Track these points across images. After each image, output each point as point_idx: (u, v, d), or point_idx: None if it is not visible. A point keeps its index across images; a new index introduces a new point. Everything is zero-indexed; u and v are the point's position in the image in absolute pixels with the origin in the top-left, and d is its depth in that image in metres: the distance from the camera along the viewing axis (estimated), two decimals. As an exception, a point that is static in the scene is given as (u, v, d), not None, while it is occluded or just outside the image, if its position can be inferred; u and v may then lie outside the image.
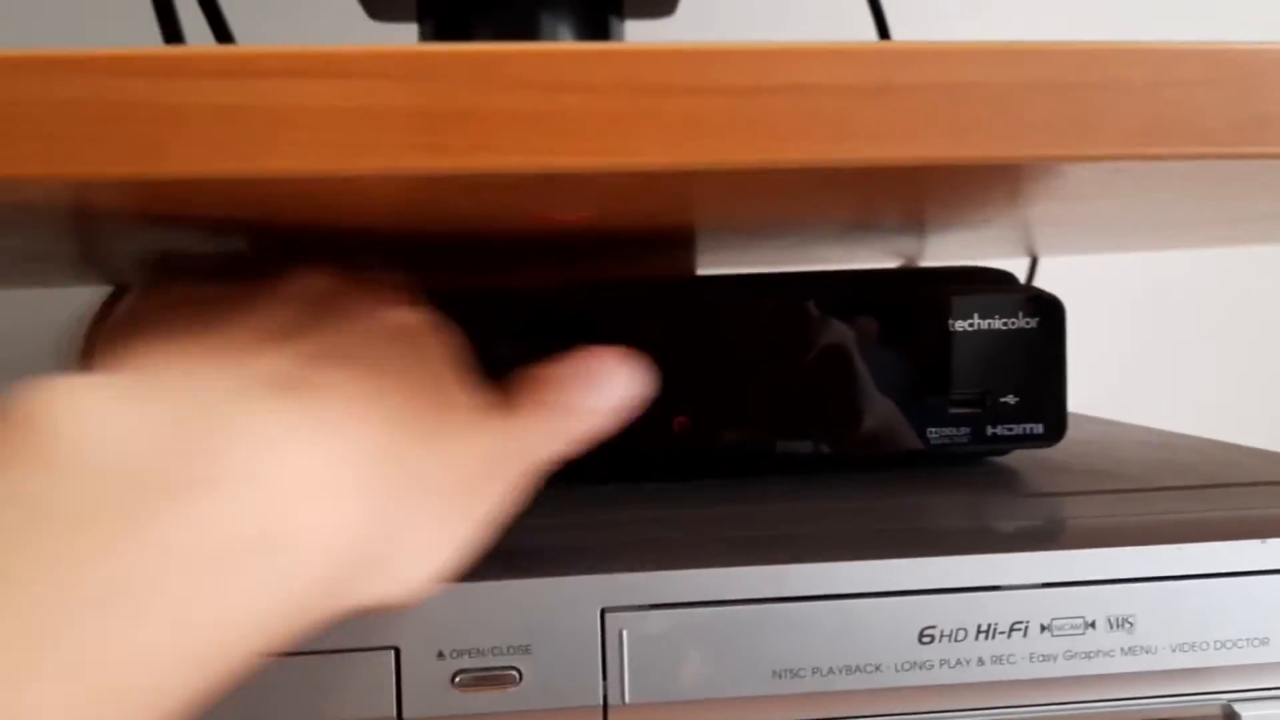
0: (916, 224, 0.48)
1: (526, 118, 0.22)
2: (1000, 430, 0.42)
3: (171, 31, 0.51)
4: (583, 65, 0.21)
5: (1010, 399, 0.42)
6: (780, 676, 0.31)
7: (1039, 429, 0.43)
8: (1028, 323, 0.42)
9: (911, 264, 0.77)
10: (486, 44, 0.22)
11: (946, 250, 0.69)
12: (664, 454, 0.42)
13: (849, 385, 0.42)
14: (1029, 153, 0.22)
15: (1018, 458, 0.46)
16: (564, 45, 0.21)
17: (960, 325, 0.42)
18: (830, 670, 0.31)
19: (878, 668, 0.31)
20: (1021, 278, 0.75)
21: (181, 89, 0.21)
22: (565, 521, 0.37)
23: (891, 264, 0.77)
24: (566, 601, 0.30)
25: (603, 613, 0.30)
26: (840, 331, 0.42)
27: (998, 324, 0.42)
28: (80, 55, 0.21)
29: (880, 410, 0.42)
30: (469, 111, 0.21)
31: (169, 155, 0.21)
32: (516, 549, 0.33)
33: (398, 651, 0.30)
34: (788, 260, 0.72)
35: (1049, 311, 0.42)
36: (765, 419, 0.42)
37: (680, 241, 0.52)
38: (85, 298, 0.78)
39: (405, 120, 0.21)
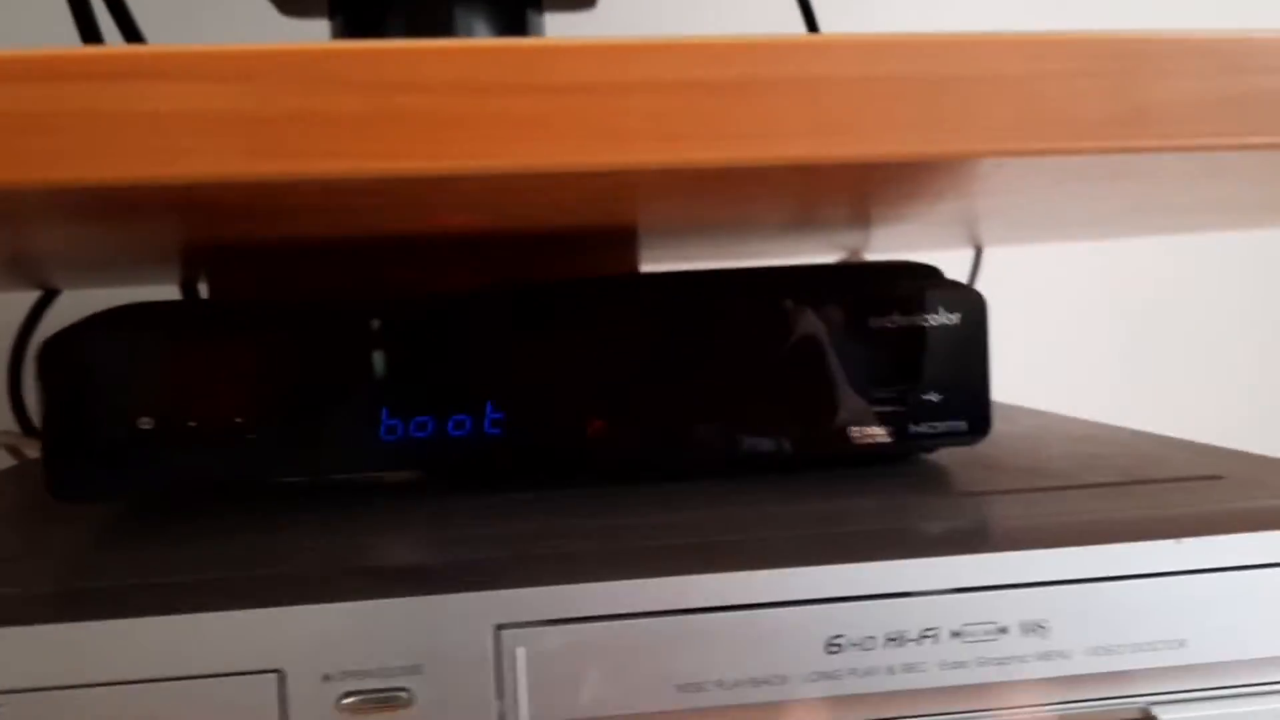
0: (857, 218, 0.47)
1: (358, 120, 0.21)
2: (923, 428, 0.41)
3: (89, 31, 0.49)
4: (418, 64, 0.20)
5: (933, 396, 0.41)
6: (685, 691, 0.30)
7: (962, 426, 0.42)
8: (949, 318, 0.41)
9: (855, 257, 0.76)
10: (316, 43, 0.21)
11: (890, 243, 0.68)
12: (578, 459, 0.41)
13: (767, 385, 0.41)
14: (898, 150, 0.21)
15: (950, 454, 0.45)
16: (397, 43, 0.20)
17: (880, 322, 0.41)
18: (736, 683, 0.30)
19: (784, 679, 0.30)
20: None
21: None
22: (460, 535, 0.35)
23: (834, 258, 0.76)
24: (459, 619, 0.29)
25: (497, 629, 0.29)
26: (758, 330, 0.41)
27: (918, 320, 0.41)
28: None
29: (809, 408, 0.41)
30: (297, 114, 0.20)
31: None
32: (407, 565, 0.32)
33: (281, 674, 0.29)
34: (732, 255, 0.71)
35: (971, 306, 0.42)
36: (681, 422, 0.41)
37: (621, 239, 0.51)
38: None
39: (232, 124, 0.20)
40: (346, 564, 0.32)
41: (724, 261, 0.75)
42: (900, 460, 0.44)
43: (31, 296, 0.77)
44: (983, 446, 0.43)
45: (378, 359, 0.40)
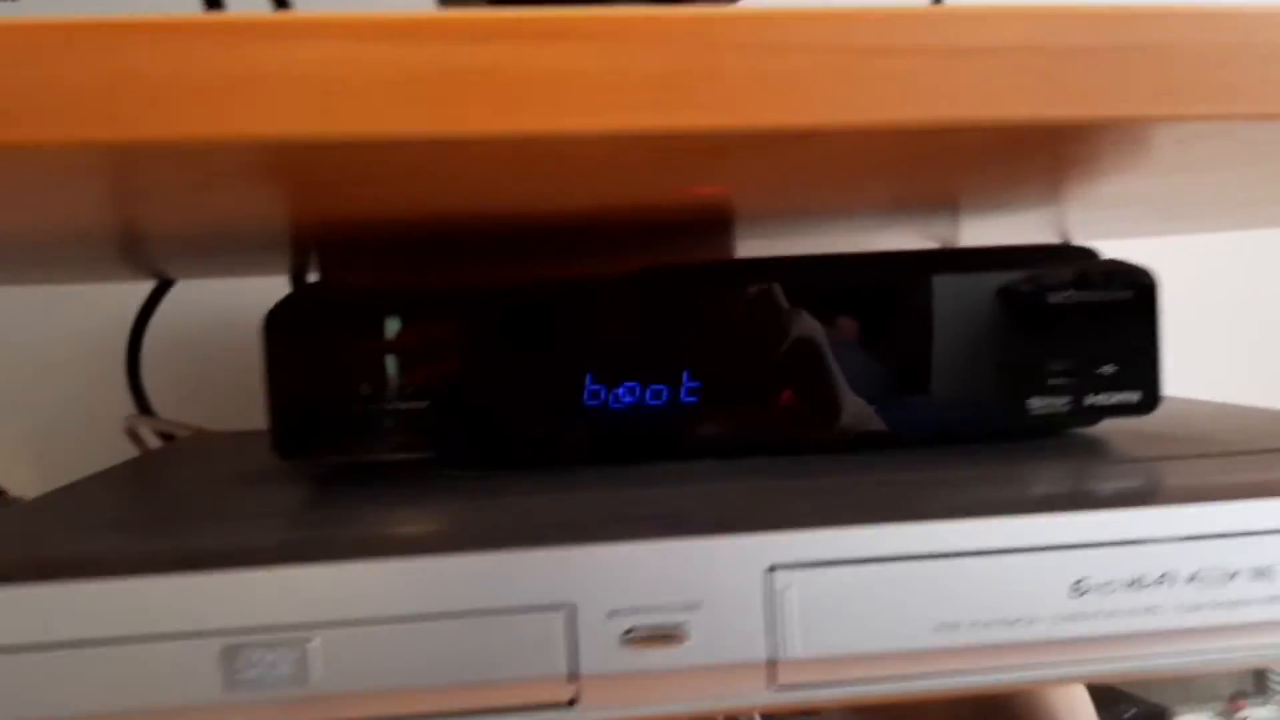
0: (952, 206, 0.49)
1: (755, 77, 0.22)
2: (1099, 399, 0.43)
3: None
4: (803, 27, 0.22)
5: (1107, 369, 0.43)
6: (940, 630, 0.32)
7: (1135, 398, 0.44)
8: (1122, 294, 0.43)
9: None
10: (714, 6, 0.23)
11: (981, 234, 0.70)
12: (769, 428, 0.42)
13: (951, 359, 0.43)
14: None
15: (1106, 428, 0.47)
16: (781, 9, 0.22)
17: (1057, 297, 0.43)
18: (989, 623, 0.32)
19: (1033, 620, 0.32)
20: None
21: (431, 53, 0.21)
22: (725, 486, 0.37)
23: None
24: (735, 559, 0.31)
25: (770, 569, 0.31)
26: (944, 306, 0.43)
27: (1093, 295, 0.43)
28: (313, 19, 0.22)
29: (992, 381, 0.43)
30: (705, 71, 0.22)
31: (411, 116, 0.22)
32: (683, 511, 0.34)
33: (570, 609, 0.30)
34: (824, 246, 0.73)
35: (1142, 282, 0.43)
36: (869, 395, 0.43)
37: (716, 227, 0.52)
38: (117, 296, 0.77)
39: (642, 80, 0.22)
40: (618, 511, 0.34)
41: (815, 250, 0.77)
42: (1069, 429, 0.46)
43: (147, 286, 0.79)
44: (1137, 422, 0.45)
45: (583, 332, 0.42)
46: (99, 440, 0.80)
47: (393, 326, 0.41)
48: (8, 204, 0.29)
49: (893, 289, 0.43)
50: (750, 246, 0.68)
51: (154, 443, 0.76)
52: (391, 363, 0.41)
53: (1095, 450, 0.42)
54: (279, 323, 0.40)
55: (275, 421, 0.40)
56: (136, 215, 0.38)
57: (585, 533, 0.31)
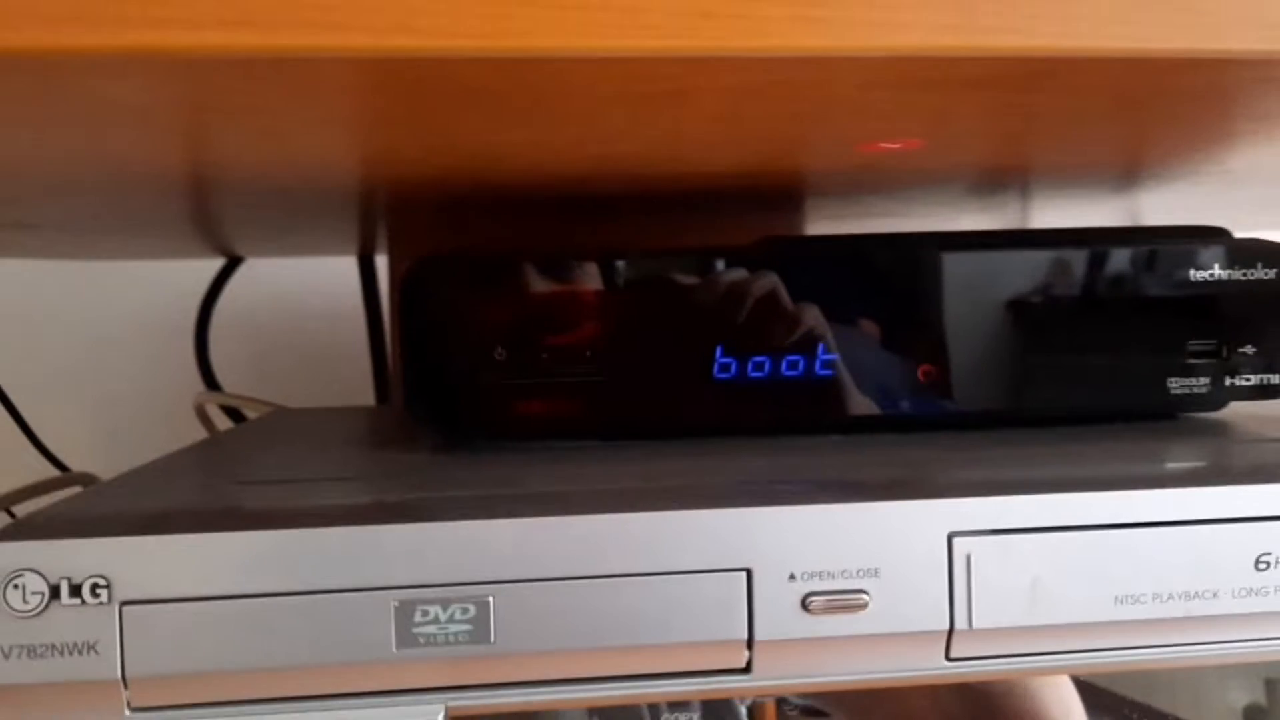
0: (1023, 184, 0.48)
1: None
2: (1239, 381, 0.42)
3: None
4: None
5: (1249, 349, 0.42)
6: (1121, 602, 0.31)
7: (1278, 379, 0.43)
8: (1266, 273, 0.42)
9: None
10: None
11: (1048, 221, 0.68)
12: (910, 400, 0.42)
13: (1091, 338, 0.42)
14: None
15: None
16: None
17: (1200, 275, 0.42)
18: (1170, 596, 0.31)
19: (1215, 594, 0.31)
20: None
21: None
22: (885, 455, 0.36)
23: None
24: (915, 525, 0.30)
25: (950, 537, 0.30)
26: (1085, 286, 0.42)
27: (1237, 274, 0.42)
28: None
29: (1132, 360, 0.42)
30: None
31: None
32: (863, 479, 0.33)
33: (749, 573, 0.30)
34: (888, 227, 0.71)
35: (1285, 261, 0.43)
36: (1009, 371, 0.42)
37: (787, 201, 0.51)
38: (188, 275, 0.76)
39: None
40: (785, 475, 0.33)
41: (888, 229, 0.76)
42: (1205, 411, 0.45)
43: (217, 264, 0.78)
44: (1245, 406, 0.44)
45: (717, 301, 0.41)
46: (165, 418, 0.80)
47: (533, 290, 0.40)
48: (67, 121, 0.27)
49: (1036, 266, 0.42)
50: (813, 228, 0.67)
51: (221, 421, 0.76)
52: (529, 327, 0.40)
53: (1228, 431, 0.42)
54: (417, 284, 0.39)
55: (411, 385, 0.39)
56: (205, 152, 0.34)
57: (762, 495, 0.30)
